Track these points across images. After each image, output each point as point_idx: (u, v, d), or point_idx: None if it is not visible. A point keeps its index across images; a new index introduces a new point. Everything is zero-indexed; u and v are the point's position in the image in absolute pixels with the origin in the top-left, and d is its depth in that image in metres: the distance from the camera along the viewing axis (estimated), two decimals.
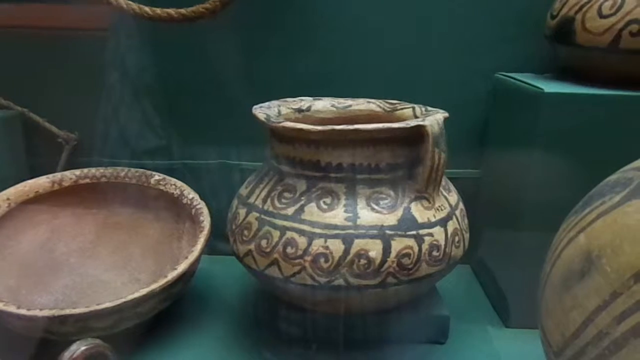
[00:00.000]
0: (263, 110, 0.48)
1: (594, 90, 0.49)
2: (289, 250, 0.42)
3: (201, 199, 0.57)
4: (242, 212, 0.47)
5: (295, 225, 0.43)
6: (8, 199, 0.55)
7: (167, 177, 0.60)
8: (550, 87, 0.49)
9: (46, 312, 0.43)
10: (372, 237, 0.42)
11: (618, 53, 0.48)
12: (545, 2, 0.55)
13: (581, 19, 0.49)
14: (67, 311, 0.43)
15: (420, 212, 0.44)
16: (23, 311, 0.43)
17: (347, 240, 0.41)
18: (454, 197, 0.48)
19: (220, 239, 0.54)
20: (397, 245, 0.42)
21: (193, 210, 0.56)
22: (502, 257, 0.58)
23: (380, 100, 0.55)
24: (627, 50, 0.47)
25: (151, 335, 0.52)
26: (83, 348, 0.37)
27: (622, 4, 0.47)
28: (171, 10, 0.56)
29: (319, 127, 0.42)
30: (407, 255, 0.42)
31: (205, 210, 0.56)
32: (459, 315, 0.55)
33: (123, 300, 0.44)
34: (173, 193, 0.58)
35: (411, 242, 0.42)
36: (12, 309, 0.43)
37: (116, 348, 0.41)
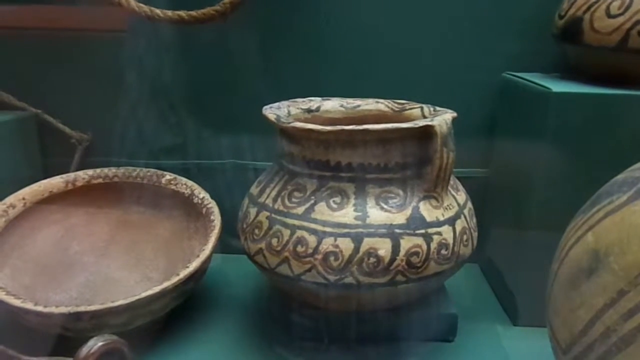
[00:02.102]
0: (273, 111, 0.49)
1: (602, 89, 0.49)
2: (300, 248, 0.43)
3: (212, 198, 0.58)
4: (253, 211, 0.47)
5: (306, 224, 0.43)
6: (23, 198, 0.56)
7: (178, 177, 0.60)
8: (558, 86, 0.49)
9: (62, 309, 0.44)
10: (382, 235, 0.42)
11: (626, 53, 0.48)
12: (554, 2, 0.55)
13: (589, 18, 0.49)
14: (83, 308, 0.44)
15: (428, 211, 0.44)
16: (40, 308, 0.44)
17: (357, 239, 0.42)
18: (462, 196, 0.49)
19: (231, 237, 0.55)
20: (406, 243, 0.42)
21: (204, 210, 0.57)
22: (511, 255, 0.58)
23: (388, 100, 0.55)
24: (635, 50, 0.47)
25: (165, 332, 0.53)
26: (100, 344, 0.38)
27: (631, 3, 0.47)
28: (182, 13, 0.57)
29: (329, 128, 0.43)
30: (416, 253, 0.42)
31: (216, 209, 0.56)
32: (468, 313, 0.55)
33: (137, 297, 0.45)
34: (184, 192, 0.59)
35: (420, 240, 0.43)
36: (29, 305, 0.44)
37: (131, 344, 0.42)
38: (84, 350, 0.37)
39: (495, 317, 0.58)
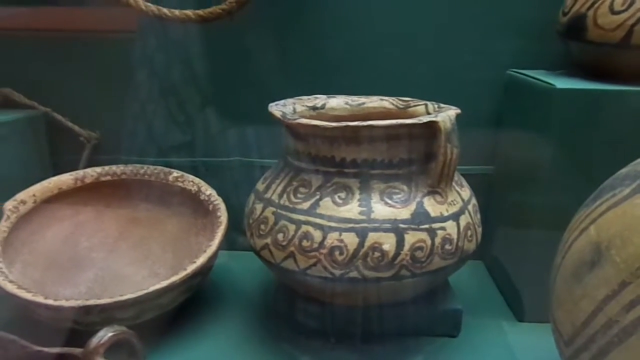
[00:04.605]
0: (279, 108, 0.49)
1: (606, 86, 0.49)
2: (305, 243, 0.43)
3: (219, 195, 0.59)
4: (259, 207, 0.48)
5: (311, 219, 0.44)
6: (34, 195, 0.57)
7: (186, 174, 0.61)
8: (562, 83, 0.50)
9: (72, 303, 0.45)
10: (386, 230, 0.43)
11: (630, 49, 0.48)
12: None
13: (593, 15, 0.49)
14: (92, 302, 0.45)
15: (433, 207, 0.44)
16: (50, 301, 0.45)
17: (362, 234, 0.42)
18: (466, 192, 0.49)
19: (238, 234, 0.55)
20: (410, 238, 0.43)
21: (210, 206, 0.58)
22: (515, 252, 0.58)
23: (393, 98, 0.56)
24: (639, 46, 0.47)
25: (172, 326, 0.53)
26: (110, 334, 0.38)
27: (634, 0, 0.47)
28: (189, 12, 0.58)
29: (334, 124, 0.43)
30: (420, 248, 0.43)
31: (223, 206, 0.57)
32: (473, 309, 0.55)
33: (145, 291, 0.46)
34: (191, 189, 0.60)
35: (424, 235, 0.43)
36: (40, 299, 0.45)
37: (140, 337, 0.42)
38: (94, 340, 0.38)
39: (499, 313, 0.58)
